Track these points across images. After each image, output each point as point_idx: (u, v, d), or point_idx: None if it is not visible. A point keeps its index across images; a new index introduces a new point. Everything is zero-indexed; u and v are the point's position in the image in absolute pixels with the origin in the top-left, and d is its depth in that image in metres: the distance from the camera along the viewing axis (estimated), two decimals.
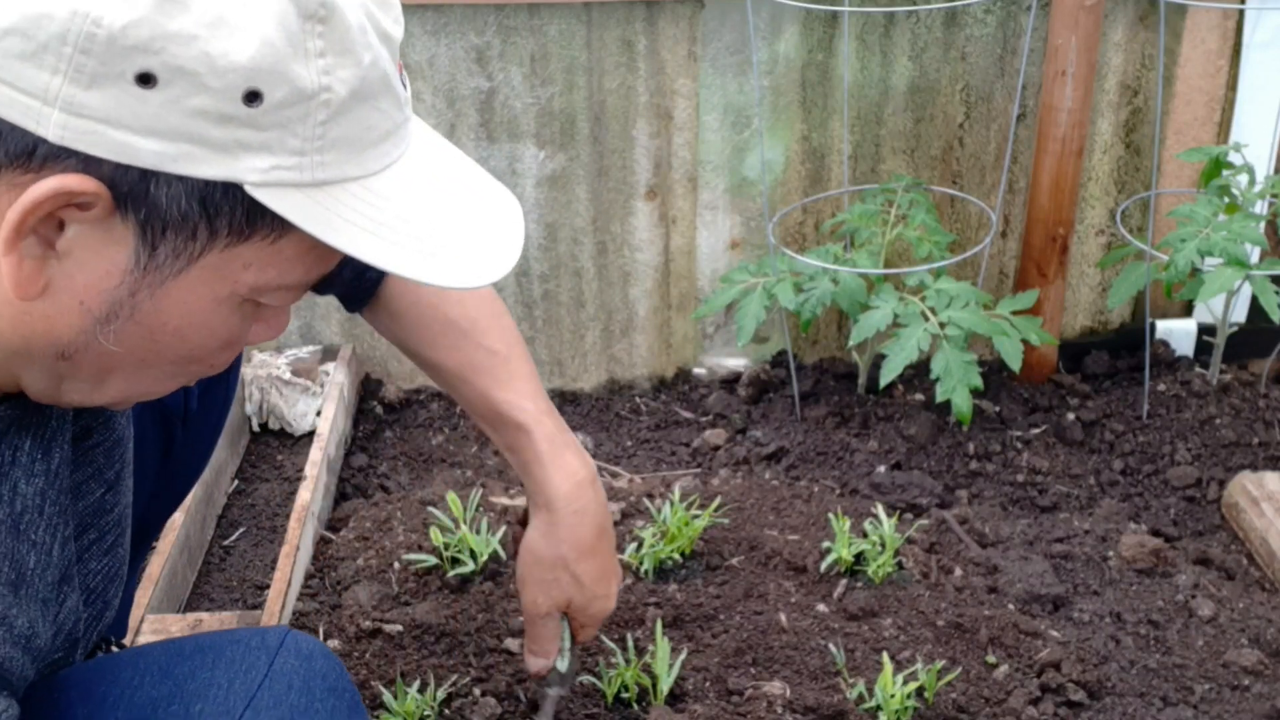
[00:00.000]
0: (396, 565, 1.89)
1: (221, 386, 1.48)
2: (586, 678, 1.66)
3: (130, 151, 0.79)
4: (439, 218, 0.90)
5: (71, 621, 1.02)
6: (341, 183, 0.85)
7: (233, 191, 0.82)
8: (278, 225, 0.85)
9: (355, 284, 1.35)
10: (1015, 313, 2.26)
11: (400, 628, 1.76)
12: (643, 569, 1.87)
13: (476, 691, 1.65)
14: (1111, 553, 1.99)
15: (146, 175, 0.80)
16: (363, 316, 1.41)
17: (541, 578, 1.36)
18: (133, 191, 0.80)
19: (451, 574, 1.86)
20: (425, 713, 1.60)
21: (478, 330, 1.35)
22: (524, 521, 1.41)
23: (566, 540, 1.34)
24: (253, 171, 0.82)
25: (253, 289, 0.88)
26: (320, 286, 1.35)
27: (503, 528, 1.94)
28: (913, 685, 1.62)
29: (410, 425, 2.38)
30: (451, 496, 1.93)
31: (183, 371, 0.94)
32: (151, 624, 1.74)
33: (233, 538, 2.08)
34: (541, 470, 1.33)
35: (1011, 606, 1.85)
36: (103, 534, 1.08)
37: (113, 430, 1.08)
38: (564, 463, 1.33)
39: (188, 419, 1.48)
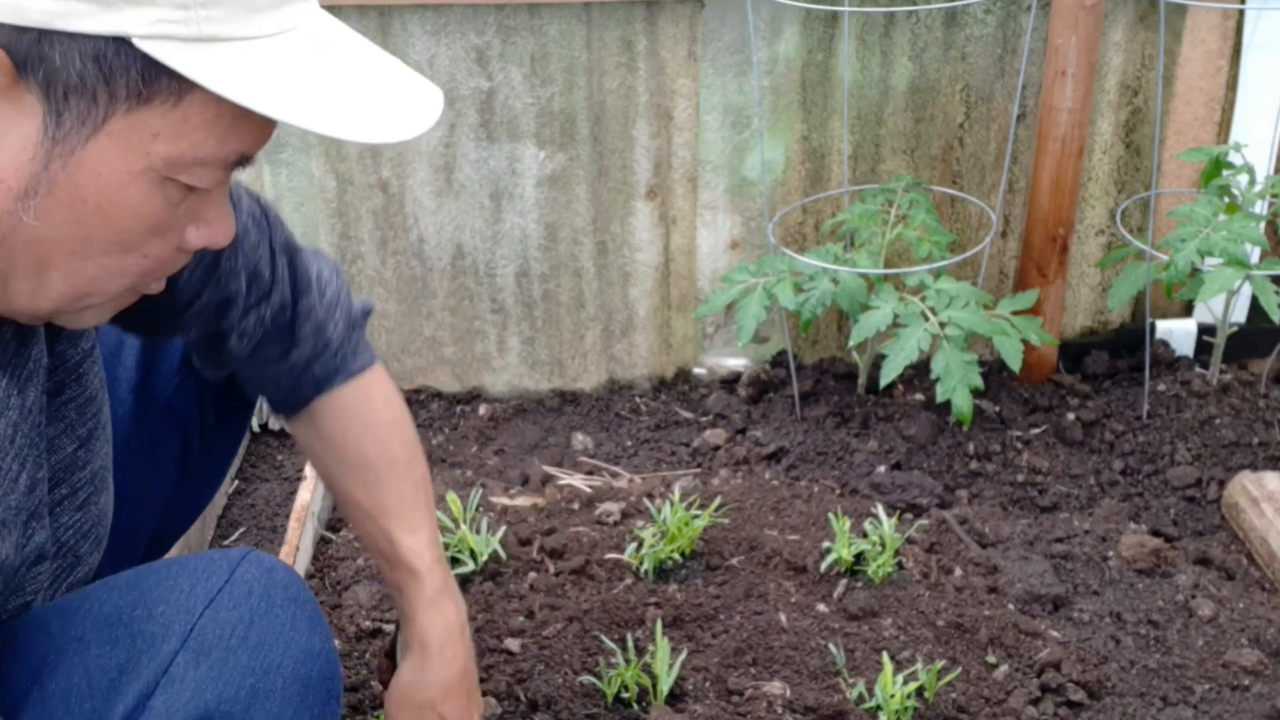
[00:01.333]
0: None
1: (240, 399, 1.50)
2: (586, 677, 1.66)
3: (19, 10, 0.82)
4: (342, 81, 0.90)
5: (38, 568, 1.05)
6: (234, 40, 0.86)
7: (125, 50, 0.84)
8: (176, 86, 0.86)
9: (291, 389, 1.36)
10: (1015, 313, 2.26)
11: None
12: (643, 569, 1.87)
13: None
14: (1111, 553, 1.99)
15: (41, 37, 0.83)
16: (288, 427, 1.43)
17: (409, 716, 1.40)
18: (29, 55, 0.83)
19: (451, 574, 1.86)
20: None
21: (394, 474, 1.39)
22: (390, 654, 1.48)
23: (435, 683, 1.38)
24: (138, 23, 0.83)
25: (167, 162, 0.89)
26: (250, 386, 1.39)
27: (503, 528, 1.94)
28: (913, 685, 1.62)
29: None
30: (451, 496, 1.93)
31: (122, 267, 0.94)
32: None
33: (232, 538, 2.08)
34: (424, 616, 1.38)
35: (1011, 606, 1.85)
36: (75, 489, 1.11)
37: (85, 387, 1.10)
38: (443, 611, 1.39)
39: (205, 431, 1.49)
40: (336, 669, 1.05)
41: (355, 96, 0.90)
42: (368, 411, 1.39)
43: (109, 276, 0.94)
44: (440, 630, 1.38)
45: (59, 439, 1.08)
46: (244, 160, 0.94)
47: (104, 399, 1.14)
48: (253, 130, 0.91)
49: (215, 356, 1.33)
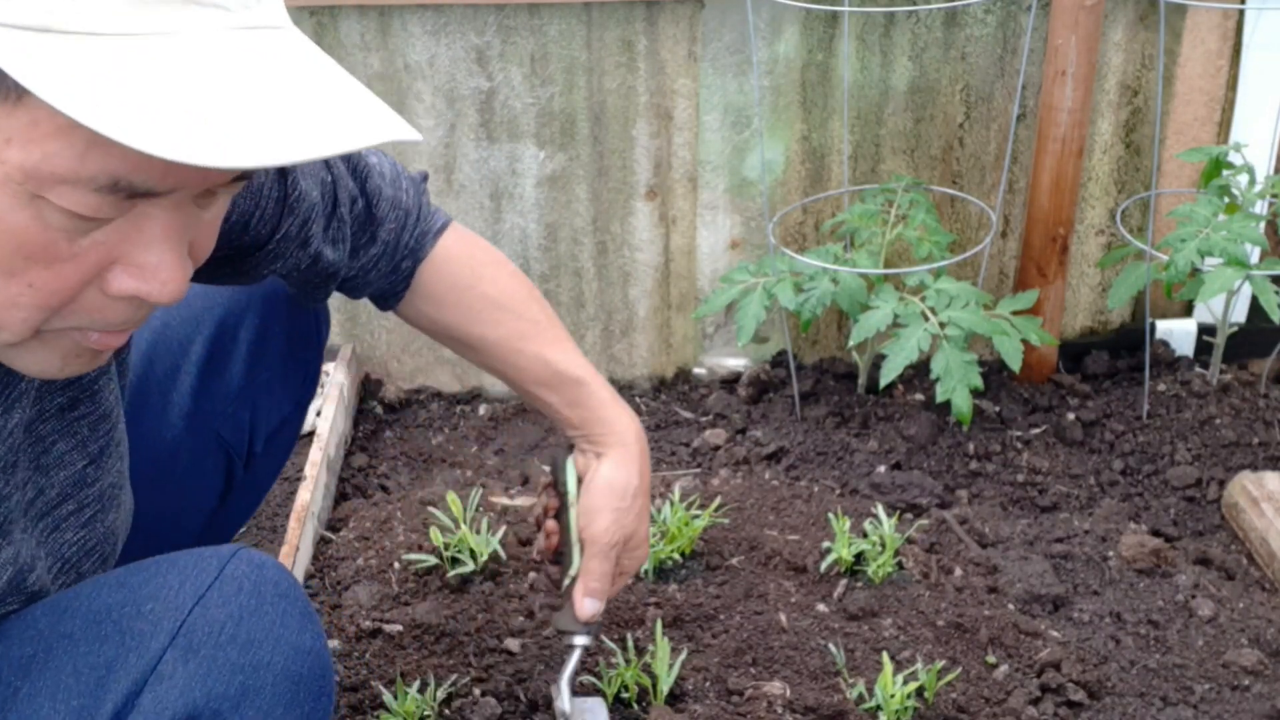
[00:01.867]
0: (396, 565, 1.89)
1: (288, 429, 1.51)
2: (587, 677, 1.66)
3: None
4: (234, 95, 0.75)
5: (30, 582, 1.04)
6: (85, 35, 0.73)
7: None
8: (14, 81, 0.73)
9: (392, 270, 1.38)
10: (1015, 313, 2.26)
11: (400, 628, 1.76)
12: (643, 569, 1.87)
13: (476, 691, 1.65)
14: (1111, 553, 1.99)
15: None
16: (397, 313, 1.44)
17: (617, 505, 1.42)
18: None
19: (451, 574, 1.86)
20: (425, 713, 1.60)
21: (520, 302, 1.41)
22: (555, 485, 1.47)
23: (641, 471, 1.42)
24: None
25: (25, 173, 0.77)
26: (353, 288, 1.39)
27: (503, 528, 1.94)
28: (913, 685, 1.62)
29: (410, 425, 2.38)
30: (451, 496, 1.93)
31: (9, 296, 0.83)
32: None
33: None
34: (611, 411, 1.42)
35: (1011, 606, 1.85)
36: (81, 506, 1.10)
37: (99, 404, 1.09)
38: (624, 407, 1.44)
39: (251, 460, 1.50)
40: (328, 666, 1.04)
41: (244, 111, 0.75)
42: (470, 258, 1.42)
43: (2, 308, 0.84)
44: (630, 422, 1.42)
45: (69, 454, 1.07)
46: (133, 189, 0.79)
47: (119, 416, 1.13)
48: (122, 150, 0.74)
49: (316, 278, 1.33)
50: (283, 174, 1.23)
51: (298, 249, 1.27)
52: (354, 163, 1.33)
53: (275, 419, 1.52)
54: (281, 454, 1.57)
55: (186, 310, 1.44)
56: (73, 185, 0.78)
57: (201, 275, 1.08)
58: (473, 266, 1.42)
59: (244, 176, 0.87)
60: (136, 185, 0.79)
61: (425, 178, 1.43)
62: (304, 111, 0.77)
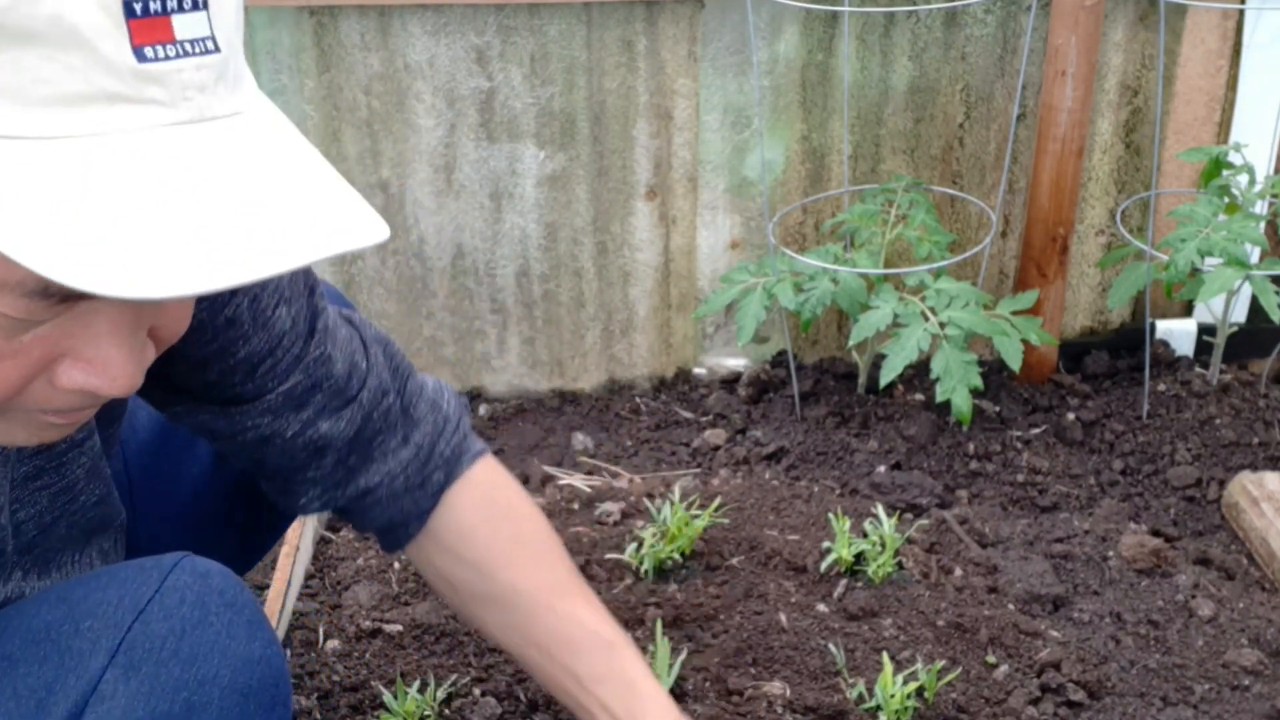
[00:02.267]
0: (396, 565, 1.89)
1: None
2: None
3: None
4: (158, 209, 0.70)
5: None
6: (2, 139, 0.69)
7: None
8: None
9: (420, 484, 1.25)
10: (1015, 313, 2.26)
11: (400, 628, 1.76)
12: (643, 569, 1.87)
13: (476, 691, 1.65)
14: (1111, 553, 1.99)
15: None
16: (410, 552, 1.29)
17: None
18: None
19: None
20: (425, 713, 1.60)
21: (555, 549, 1.27)
22: None
23: None
24: None
25: None
26: (371, 504, 1.25)
27: None
28: (913, 685, 1.62)
29: None
30: None
31: None
32: None
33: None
34: (651, 685, 1.23)
35: (1011, 606, 1.85)
36: (25, 574, 1.06)
37: (64, 476, 1.05)
38: (656, 684, 1.25)
39: (258, 527, 1.47)
40: (281, 674, 0.99)
41: (141, 233, 0.69)
42: (508, 487, 1.29)
43: None
44: (666, 702, 1.25)
45: (26, 524, 1.03)
46: (66, 293, 0.74)
47: (82, 489, 1.07)
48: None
49: (311, 457, 1.20)
50: (310, 332, 1.14)
51: (291, 411, 1.17)
52: (396, 363, 1.25)
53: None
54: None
55: None
56: (1, 291, 0.74)
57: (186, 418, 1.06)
58: (510, 500, 1.29)
59: None
60: (68, 290, 0.73)
61: (469, 401, 1.32)
62: (243, 224, 0.72)
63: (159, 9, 0.72)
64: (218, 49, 0.75)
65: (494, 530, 1.27)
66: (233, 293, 1.08)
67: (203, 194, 0.72)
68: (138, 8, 0.71)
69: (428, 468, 1.26)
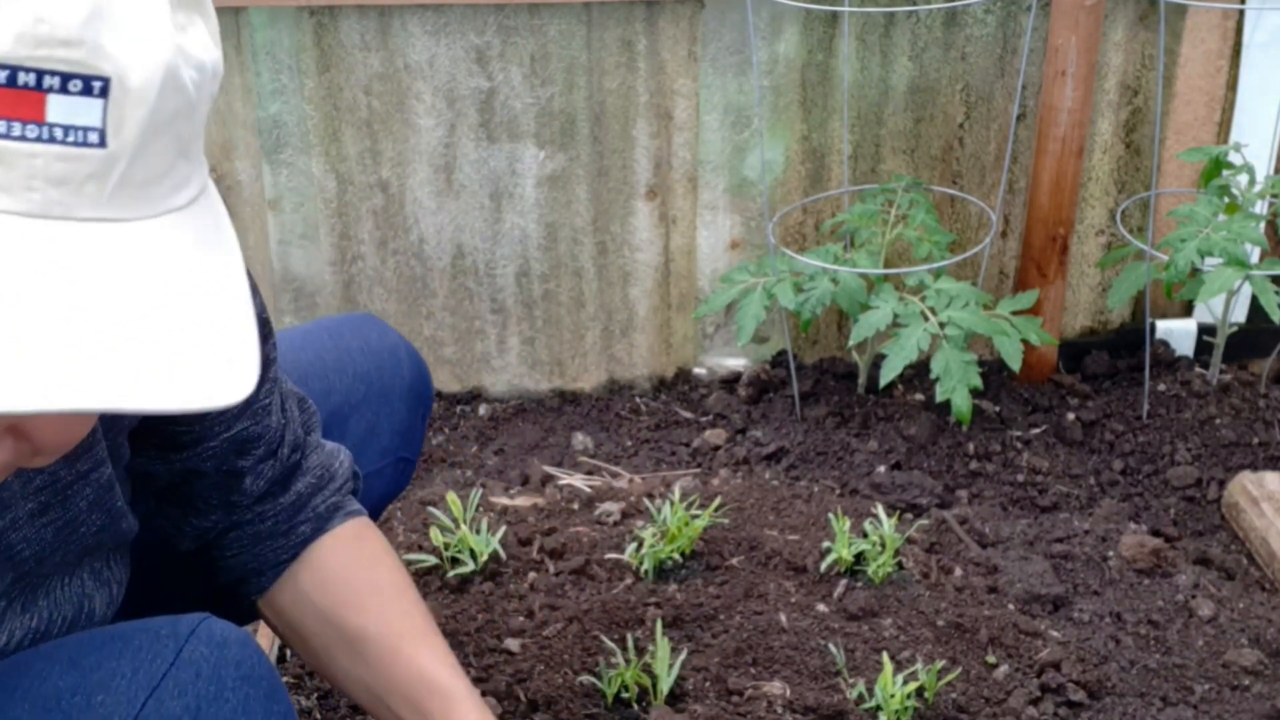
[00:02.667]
0: None
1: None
2: (586, 677, 1.66)
3: None
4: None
5: None
6: None
7: None
8: None
9: (287, 532, 1.22)
10: (1015, 313, 2.26)
11: None
12: (643, 569, 1.87)
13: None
14: (1111, 553, 1.99)
15: None
16: (262, 598, 1.24)
17: None
18: None
19: (451, 574, 1.86)
20: None
21: (409, 598, 1.23)
22: None
23: None
24: None
25: None
26: (232, 540, 1.22)
27: (503, 528, 1.94)
28: (913, 685, 1.62)
29: None
30: (451, 496, 1.93)
31: None
32: None
33: None
34: None
35: (1011, 606, 1.85)
36: (24, 608, 1.04)
37: (68, 509, 1.03)
38: None
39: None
40: None
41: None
42: (374, 544, 1.26)
43: None
44: None
45: (27, 560, 1.01)
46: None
47: (84, 521, 1.05)
48: None
49: (219, 502, 1.19)
50: (261, 380, 1.09)
51: (234, 456, 1.16)
52: (306, 417, 1.24)
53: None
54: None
55: (302, 389, 1.36)
56: None
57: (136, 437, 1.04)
58: (374, 553, 1.25)
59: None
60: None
61: (359, 476, 1.31)
62: (59, 344, 0.65)
63: (32, 83, 0.64)
64: (102, 144, 0.67)
65: (350, 578, 1.23)
66: None
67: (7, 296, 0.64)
68: (14, 77, 0.64)
69: (297, 518, 1.23)
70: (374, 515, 1.50)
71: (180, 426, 1.12)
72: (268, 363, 1.15)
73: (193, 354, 0.69)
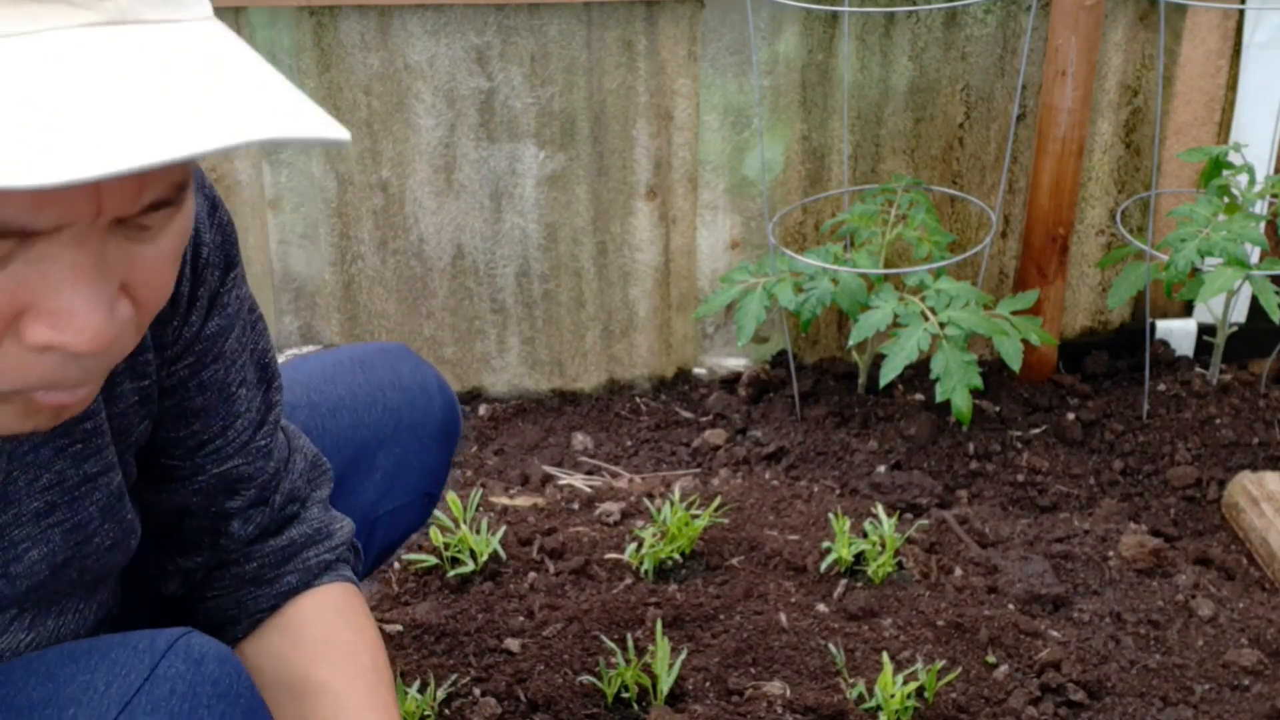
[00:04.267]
0: (396, 565, 1.89)
1: (387, 552, 1.47)
2: (586, 677, 1.66)
3: None
4: (60, 102, 0.63)
5: None
6: None
7: None
8: None
9: (273, 580, 1.18)
10: (1015, 313, 2.26)
11: (400, 628, 1.76)
12: (643, 569, 1.87)
13: (476, 691, 1.65)
14: (1111, 553, 1.99)
15: None
16: (243, 646, 1.18)
17: None
18: None
19: (451, 574, 1.86)
20: (425, 713, 1.60)
21: (386, 677, 1.18)
22: None
23: None
24: None
25: None
26: (218, 579, 1.19)
27: (503, 528, 1.94)
28: (913, 685, 1.62)
29: None
30: (451, 496, 1.93)
31: None
32: None
33: None
34: None
35: (1011, 606, 1.85)
36: (22, 611, 1.03)
37: (76, 512, 1.01)
38: None
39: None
40: None
41: (46, 124, 0.63)
42: (358, 613, 1.21)
43: None
44: None
45: (39, 564, 0.99)
46: (5, 229, 0.69)
47: (96, 529, 1.04)
48: None
49: (208, 544, 1.17)
50: (261, 423, 1.12)
51: (222, 496, 1.13)
52: (314, 475, 1.22)
53: (382, 543, 1.47)
54: (370, 566, 1.49)
55: (332, 422, 1.36)
56: None
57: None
58: (356, 620, 1.19)
59: (170, 202, 0.76)
60: (10, 225, 0.68)
61: (360, 552, 1.27)
62: (155, 115, 0.65)
63: None
64: None
65: (330, 631, 1.17)
66: (210, 359, 1.07)
67: (121, 83, 0.65)
68: None
69: (285, 567, 1.18)
70: (393, 550, 1.51)
71: (174, 460, 1.11)
72: (270, 406, 1.14)
73: (298, 101, 0.71)
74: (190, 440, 1.09)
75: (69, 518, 1.00)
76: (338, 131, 0.69)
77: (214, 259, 1.04)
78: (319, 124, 0.69)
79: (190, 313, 1.04)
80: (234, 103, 0.67)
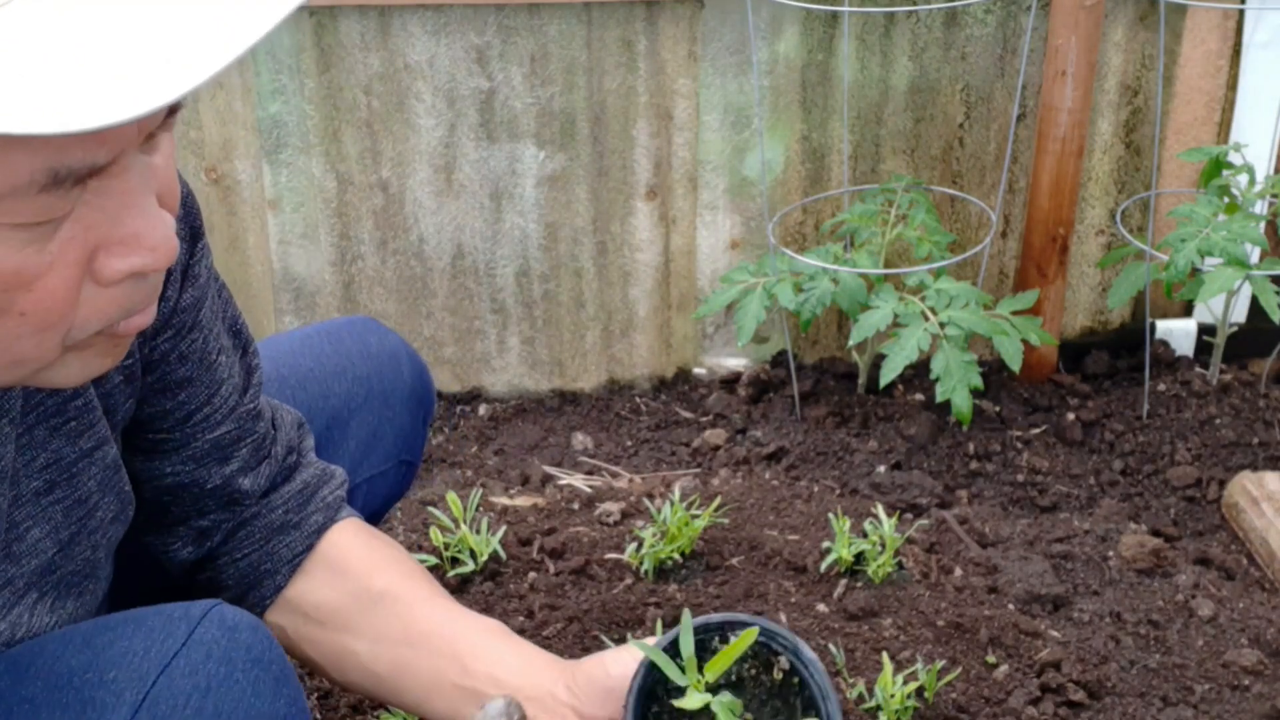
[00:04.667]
0: None
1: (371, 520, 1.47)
2: None
3: None
4: (122, 34, 0.66)
5: None
6: None
7: None
8: None
9: (298, 524, 1.23)
10: (1015, 313, 2.26)
11: None
12: (643, 569, 1.87)
13: None
14: (1111, 553, 1.99)
15: None
16: (277, 611, 1.23)
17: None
18: None
19: (451, 574, 1.86)
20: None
21: (434, 584, 1.25)
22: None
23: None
24: None
25: None
26: (243, 539, 1.22)
27: (503, 528, 1.94)
28: (913, 685, 1.62)
29: None
30: (451, 496, 1.93)
31: (9, 332, 0.77)
32: None
33: None
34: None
35: (1011, 606, 1.85)
36: (42, 594, 1.04)
37: (75, 488, 1.04)
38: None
39: None
40: None
41: (122, 57, 0.66)
42: (382, 536, 1.28)
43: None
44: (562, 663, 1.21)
45: (43, 541, 1.01)
46: (76, 174, 0.72)
47: (97, 504, 1.06)
48: (45, 139, 0.67)
49: (217, 505, 1.20)
50: (246, 386, 1.16)
51: (215, 463, 1.17)
52: (304, 430, 1.26)
53: (363, 512, 1.47)
54: None
55: (302, 394, 1.38)
56: (13, 197, 0.70)
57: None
58: (387, 541, 1.26)
59: (180, 106, 0.76)
60: (78, 168, 0.71)
61: (345, 482, 1.31)
62: (205, 18, 0.71)
63: None
64: None
65: (370, 549, 1.24)
66: (188, 329, 1.10)
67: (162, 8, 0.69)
68: None
69: (309, 507, 1.23)
70: (376, 519, 1.51)
71: (161, 434, 1.13)
72: (250, 370, 1.18)
73: None
74: (178, 411, 1.12)
75: (69, 494, 1.02)
76: None
77: (182, 232, 1.06)
78: None
79: (165, 287, 1.06)
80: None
